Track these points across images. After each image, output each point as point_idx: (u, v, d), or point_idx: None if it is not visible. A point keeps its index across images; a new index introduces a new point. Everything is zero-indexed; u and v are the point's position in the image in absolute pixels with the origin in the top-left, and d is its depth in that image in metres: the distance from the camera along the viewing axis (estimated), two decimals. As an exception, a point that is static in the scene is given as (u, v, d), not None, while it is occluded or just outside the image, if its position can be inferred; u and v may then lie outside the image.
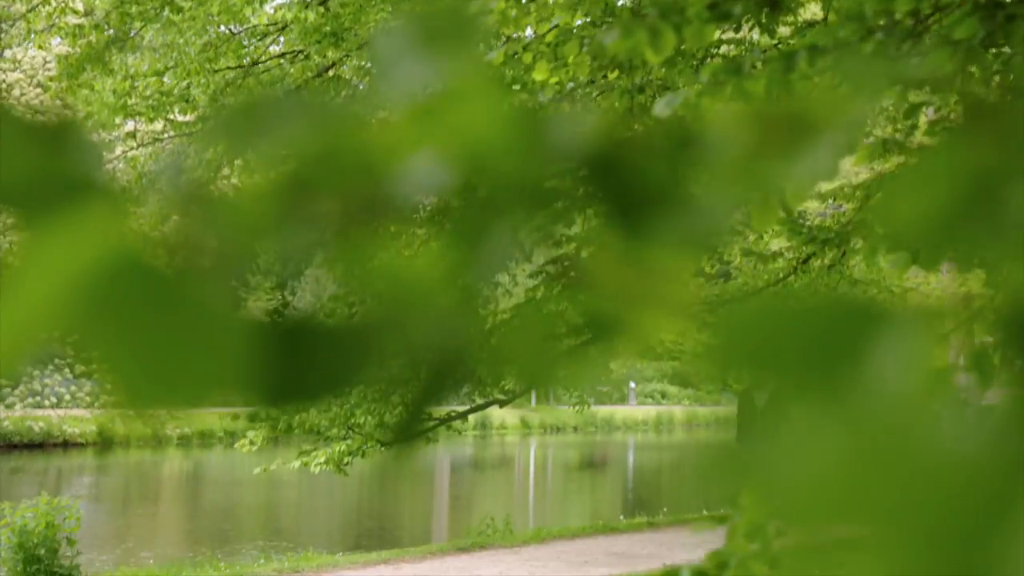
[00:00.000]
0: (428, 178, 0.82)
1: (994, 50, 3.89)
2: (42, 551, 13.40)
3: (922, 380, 0.68)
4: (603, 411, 72.56)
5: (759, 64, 3.91)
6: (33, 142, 0.78)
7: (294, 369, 0.82)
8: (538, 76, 6.92)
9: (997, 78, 3.74)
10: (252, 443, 16.92)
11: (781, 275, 20.51)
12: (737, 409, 18.60)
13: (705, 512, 22.10)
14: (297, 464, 16.86)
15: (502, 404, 19.96)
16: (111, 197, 0.78)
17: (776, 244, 21.79)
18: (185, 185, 0.84)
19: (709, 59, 8.13)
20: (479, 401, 18.29)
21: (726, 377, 0.78)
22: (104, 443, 46.87)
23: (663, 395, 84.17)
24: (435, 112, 0.82)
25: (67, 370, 44.34)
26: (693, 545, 16.35)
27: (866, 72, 0.97)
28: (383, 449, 17.48)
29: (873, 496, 0.66)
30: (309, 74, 14.01)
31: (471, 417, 18.49)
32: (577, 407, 19.09)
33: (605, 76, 8.51)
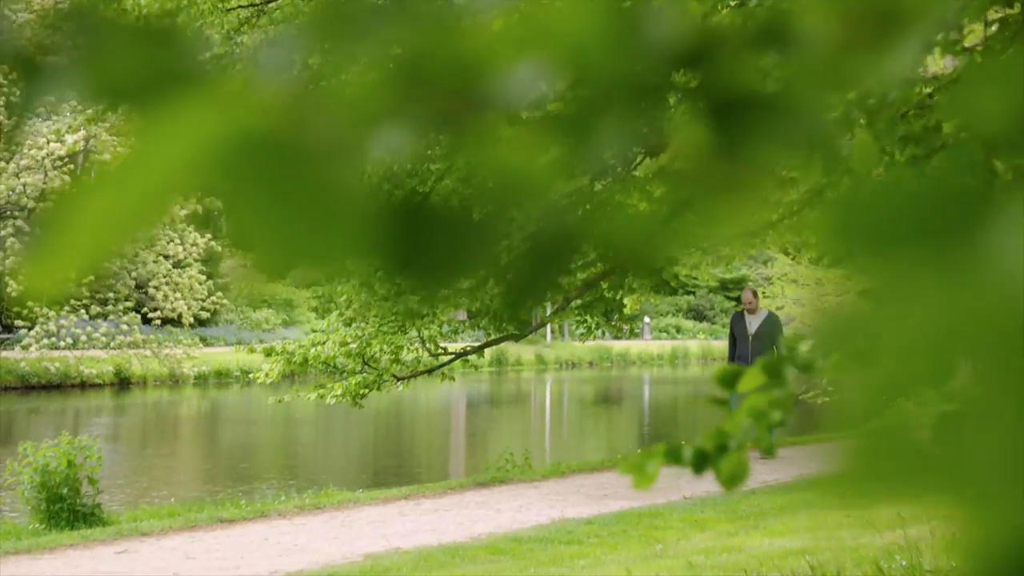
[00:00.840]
0: (529, 76, 0.82)
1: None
2: (64, 490, 13.47)
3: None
4: (618, 346, 72.73)
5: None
6: (142, 43, 0.80)
7: (412, 247, 0.83)
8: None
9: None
10: (268, 375, 16.99)
11: (796, 208, 20.49)
12: (731, 338, 19.13)
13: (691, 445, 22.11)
14: (313, 397, 16.93)
15: (518, 339, 20.02)
16: (219, 85, 0.79)
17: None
18: (294, 76, 0.85)
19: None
20: (494, 335, 18.33)
21: (845, 248, 0.78)
22: (121, 383, 47.06)
23: (678, 329, 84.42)
24: (532, 11, 0.82)
25: (83, 311, 44.49)
26: (712, 477, 16.40)
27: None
28: (399, 384, 17.52)
29: (980, 351, 0.67)
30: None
31: (486, 353, 18.52)
32: (583, 338, 19.15)
33: None
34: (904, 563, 7.27)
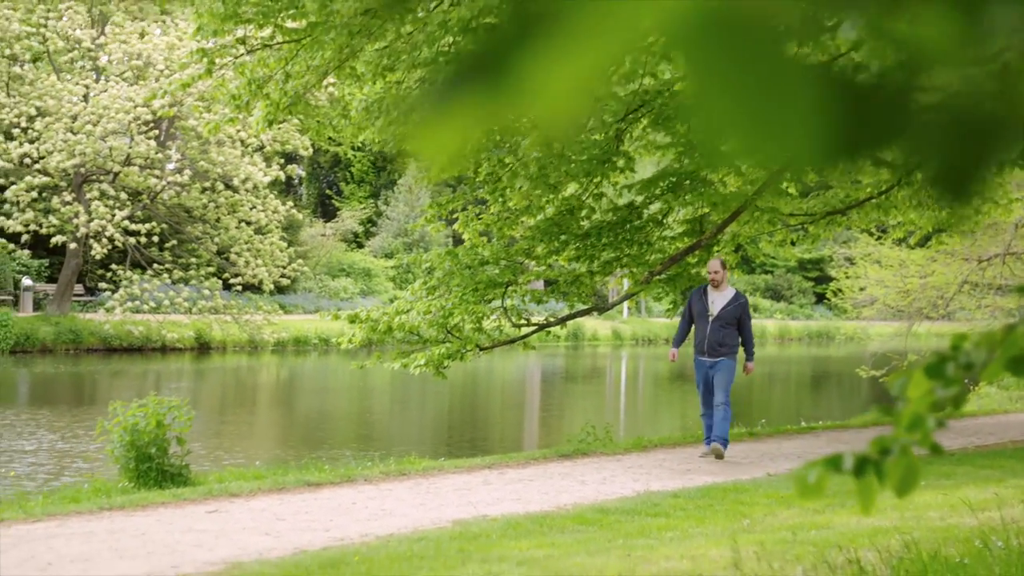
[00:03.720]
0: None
1: None
2: (153, 450, 13.61)
3: None
4: (695, 324, 72.40)
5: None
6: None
7: (844, 121, 0.87)
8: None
9: None
10: (351, 340, 17.08)
11: (883, 187, 20.34)
12: (685, 316, 16.73)
13: (803, 423, 22.08)
14: (397, 366, 17.02)
15: (600, 312, 20.02)
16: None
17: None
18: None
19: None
20: (579, 307, 18.37)
21: None
22: (201, 348, 47.45)
23: (755, 308, 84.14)
24: None
25: (166, 276, 44.89)
26: (795, 456, 16.38)
27: None
28: (481, 354, 17.58)
29: None
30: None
31: (563, 327, 18.58)
32: (669, 315, 19.07)
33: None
34: (1000, 544, 7.23)
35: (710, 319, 15.96)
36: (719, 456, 15.55)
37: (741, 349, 16.08)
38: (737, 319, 16.05)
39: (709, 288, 16.22)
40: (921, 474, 2.31)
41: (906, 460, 2.30)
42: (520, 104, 0.89)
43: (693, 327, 16.22)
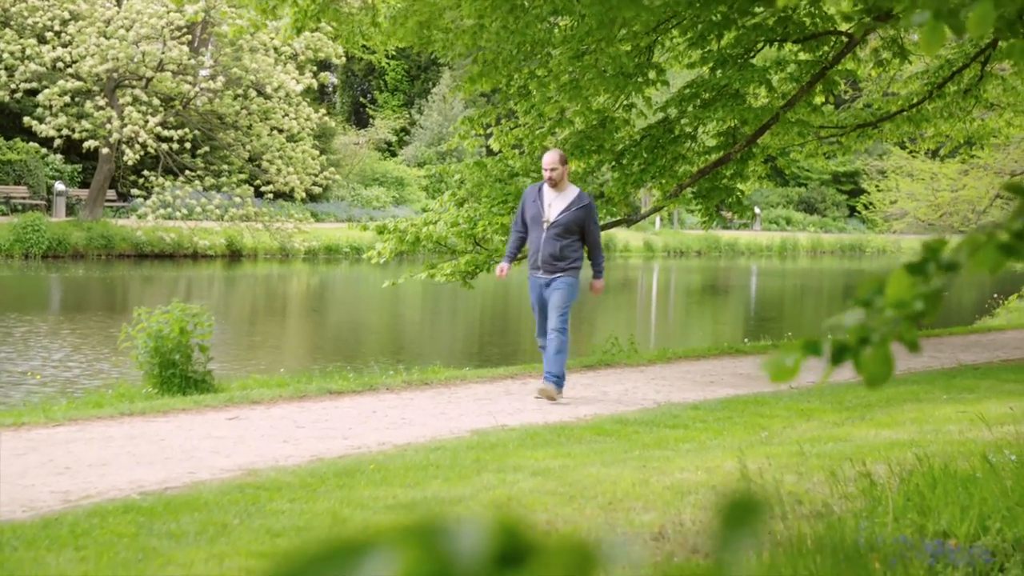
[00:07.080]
0: None
1: None
2: (176, 356, 13.66)
3: None
4: (727, 236, 72.44)
5: None
6: None
7: None
8: None
9: None
10: (380, 254, 17.09)
11: (915, 99, 20.16)
12: (517, 221, 14.07)
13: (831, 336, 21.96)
14: (424, 276, 17.04)
15: (631, 224, 19.94)
16: None
17: (910, 70, 21.37)
18: None
19: None
20: (609, 219, 18.29)
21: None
22: (232, 255, 47.58)
23: (788, 221, 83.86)
24: None
25: (198, 182, 44.91)
26: (820, 369, 16.31)
27: None
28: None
29: None
30: None
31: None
32: (705, 226, 18.99)
33: None
34: (1013, 457, 7.20)
35: (545, 226, 13.11)
36: (550, 398, 13.08)
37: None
38: (580, 227, 13.15)
39: (545, 187, 13.27)
40: (893, 368, 2.28)
41: (882, 350, 2.26)
42: None
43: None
